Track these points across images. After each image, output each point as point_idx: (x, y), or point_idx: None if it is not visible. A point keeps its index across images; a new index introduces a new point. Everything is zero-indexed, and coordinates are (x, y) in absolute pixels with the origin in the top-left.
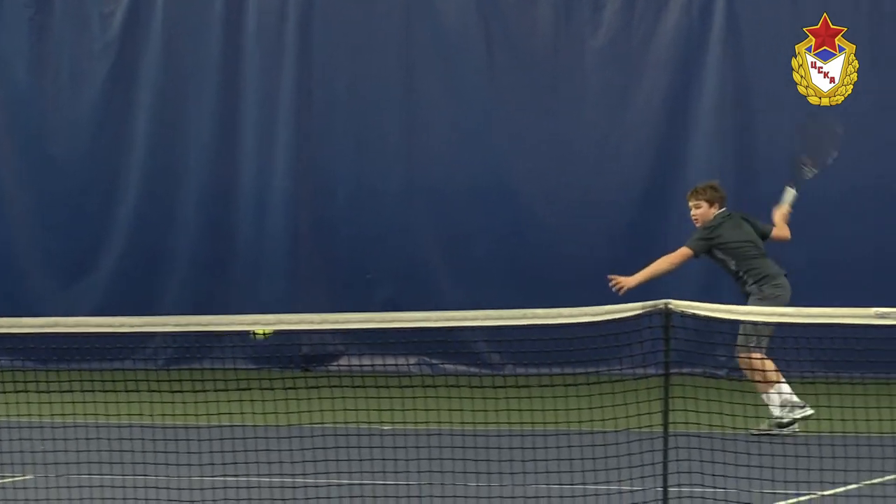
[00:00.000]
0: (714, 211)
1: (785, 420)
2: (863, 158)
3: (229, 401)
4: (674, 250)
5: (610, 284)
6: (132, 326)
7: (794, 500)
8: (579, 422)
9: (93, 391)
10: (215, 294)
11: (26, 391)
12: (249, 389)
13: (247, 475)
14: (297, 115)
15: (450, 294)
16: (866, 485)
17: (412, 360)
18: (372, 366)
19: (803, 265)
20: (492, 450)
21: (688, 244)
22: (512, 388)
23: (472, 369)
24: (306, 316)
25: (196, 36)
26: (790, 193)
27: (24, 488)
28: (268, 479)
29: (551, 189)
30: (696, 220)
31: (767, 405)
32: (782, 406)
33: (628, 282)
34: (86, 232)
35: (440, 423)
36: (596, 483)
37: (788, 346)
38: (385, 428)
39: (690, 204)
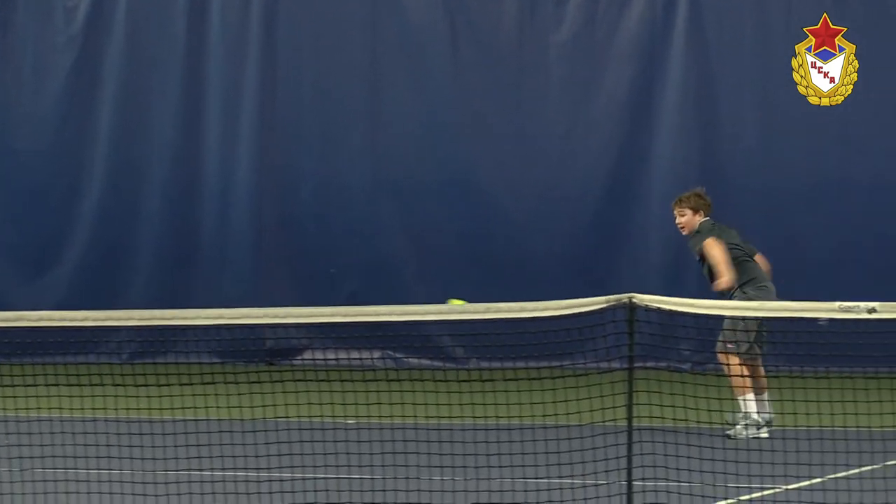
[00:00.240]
0: (699, 219)
1: (736, 435)
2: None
3: (194, 394)
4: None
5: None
6: (96, 320)
7: (759, 493)
8: (544, 415)
9: (57, 385)
10: (179, 288)
11: None
12: (214, 383)
13: (211, 469)
14: (261, 110)
15: (414, 288)
16: (830, 479)
17: (376, 354)
18: (336, 360)
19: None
20: (456, 444)
21: (711, 237)
22: (476, 381)
23: (437, 363)
24: (271, 310)
25: (160, 30)
26: None
27: None
28: (232, 473)
29: (516, 184)
30: (681, 227)
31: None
32: (745, 416)
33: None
34: (49, 226)
35: (404, 416)
36: (560, 477)
37: (752, 341)
38: (349, 422)
39: (675, 212)
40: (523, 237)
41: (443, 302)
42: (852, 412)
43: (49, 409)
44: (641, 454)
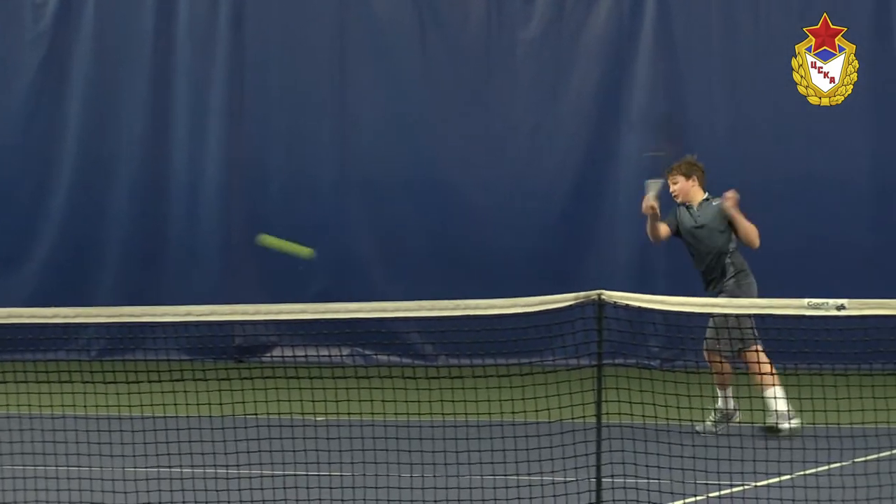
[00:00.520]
0: (693, 185)
1: (703, 430)
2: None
3: (162, 392)
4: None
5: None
6: (65, 317)
7: (727, 490)
8: (512, 413)
9: (25, 382)
10: (148, 285)
11: None
12: (182, 380)
13: (180, 466)
14: (229, 107)
15: (383, 285)
16: (799, 475)
17: (345, 352)
18: (305, 357)
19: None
20: (425, 441)
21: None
22: (445, 378)
23: (406, 360)
24: (239, 307)
25: (128, 27)
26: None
27: None
28: (201, 470)
29: (484, 181)
30: (675, 196)
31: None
32: (715, 412)
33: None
34: (17, 223)
35: (373, 413)
36: (529, 474)
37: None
38: (318, 419)
39: (669, 182)
40: (492, 234)
41: (411, 299)
42: (821, 409)
43: (18, 405)
44: (610, 451)
